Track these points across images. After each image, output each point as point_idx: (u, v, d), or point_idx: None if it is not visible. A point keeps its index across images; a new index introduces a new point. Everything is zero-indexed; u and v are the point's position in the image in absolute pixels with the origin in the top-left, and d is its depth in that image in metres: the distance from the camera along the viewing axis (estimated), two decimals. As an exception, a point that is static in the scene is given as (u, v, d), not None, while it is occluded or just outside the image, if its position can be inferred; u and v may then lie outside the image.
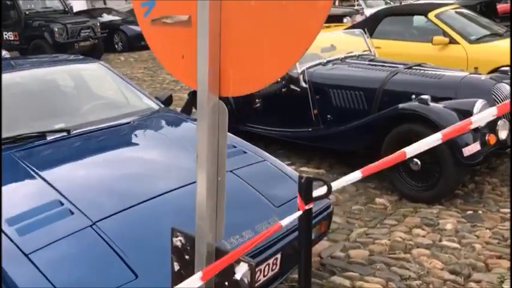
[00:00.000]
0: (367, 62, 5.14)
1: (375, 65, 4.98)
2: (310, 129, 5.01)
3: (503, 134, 3.92)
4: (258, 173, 3.01)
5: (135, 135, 3.43)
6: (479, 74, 4.43)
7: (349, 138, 4.57)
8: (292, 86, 5.05)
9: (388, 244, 3.44)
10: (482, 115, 3.53)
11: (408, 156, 2.89)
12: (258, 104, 5.45)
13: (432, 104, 3.96)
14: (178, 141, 3.25)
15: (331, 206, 2.96)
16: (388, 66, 4.89)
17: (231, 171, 2.89)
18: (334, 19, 9.64)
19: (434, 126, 3.83)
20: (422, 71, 4.58)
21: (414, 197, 4.05)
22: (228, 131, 1.78)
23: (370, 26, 7.16)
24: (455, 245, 3.35)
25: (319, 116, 4.98)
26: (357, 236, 3.62)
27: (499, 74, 4.81)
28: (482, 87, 4.17)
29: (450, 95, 4.20)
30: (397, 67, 4.78)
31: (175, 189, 2.64)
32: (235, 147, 3.24)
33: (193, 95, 6.15)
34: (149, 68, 12.55)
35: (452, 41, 6.37)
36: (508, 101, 4.21)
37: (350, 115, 4.75)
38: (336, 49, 5.60)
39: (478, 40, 6.38)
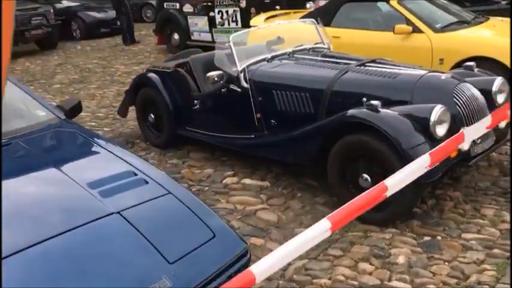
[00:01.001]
0: (317, 58, 4.52)
1: (326, 61, 4.37)
2: (252, 136, 4.40)
3: (465, 145, 3.37)
4: (156, 214, 2.39)
5: (13, 160, 2.75)
6: (441, 72, 3.85)
7: (291, 148, 3.98)
8: (232, 86, 4.42)
9: (328, 286, 2.87)
10: (474, 127, 2.97)
11: (390, 192, 2.40)
12: (197, 106, 4.82)
13: (383, 111, 3.38)
14: (63, 170, 2.60)
15: (248, 254, 2.37)
16: (340, 62, 4.28)
17: (119, 212, 2.27)
18: (296, 4, 9.02)
19: (384, 138, 3.26)
20: (376, 69, 3.99)
21: (365, 218, 3.48)
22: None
23: (328, 13, 6.55)
24: (407, 286, 2.80)
25: (262, 121, 4.37)
26: (294, 272, 3.05)
27: (464, 70, 4.26)
28: (442, 88, 3.60)
29: (406, 97, 3.62)
30: (349, 64, 4.19)
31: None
32: (136, 174, 2.62)
33: (129, 93, 5.47)
34: (104, 58, 11.75)
35: (416, 30, 5.79)
36: (504, 106, 3.71)
37: (296, 120, 4.15)
38: (284, 42, 4.98)
39: (444, 28, 5.81)
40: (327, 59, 4.43)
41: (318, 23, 5.09)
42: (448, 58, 5.58)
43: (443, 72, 3.85)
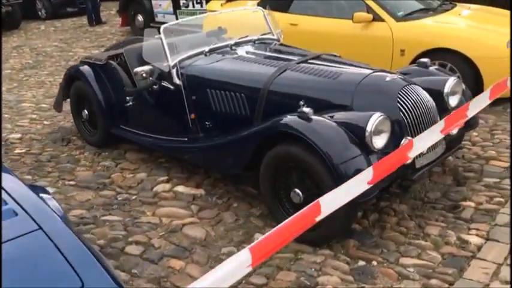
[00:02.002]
0: (260, 52, 4.10)
1: (268, 57, 3.95)
2: (186, 139, 3.99)
3: (410, 154, 3.00)
4: (17, 258, 1.99)
5: None
6: (388, 72, 3.44)
7: (223, 156, 3.59)
8: (163, 83, 3.98)
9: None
10: (424, 135, 2.74)
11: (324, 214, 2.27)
12: (130, 103, 4.38)
13: (315, 119, 2.98)
14: None
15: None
16: (282, 58, 3.86)
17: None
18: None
19: (315, 150, 2.87)
20: (318, 67, 3.57)
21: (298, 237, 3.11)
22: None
23: (285, -2, 6.09)
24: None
25: (197, 122, 3.95)
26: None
27: (417, 66, 3.87)
28: (385, 91, 3.21)
29: (346, 101, 3.22)
30: (291, 60, 3.77)
31: None
32: (6, 203, 2.21)
33: (62, 86, 5.01)
34: (65, 40, 11.17)
35: (377, 18, 5.36)
36: (458, 110, 3.32)
37: (232, 123, 3.75)
38: (226, 33, 4.54)
39: (406, 17, 5.40)
40: (269, 54, 4.00)
41: (267, 10, 4.64)
42: (409, 49, 5.18)
43: (391, 72, 3.45)
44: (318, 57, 3.80)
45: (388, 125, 2.95)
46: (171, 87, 3.93)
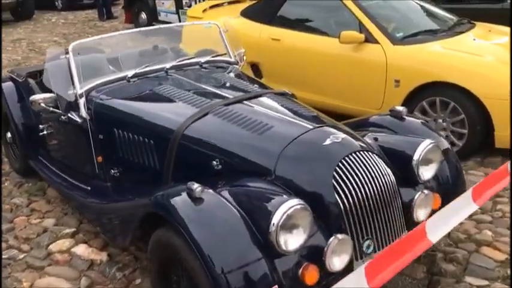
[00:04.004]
0: (197, 81, 3.21)
1: (199, 90, 3.06)
2: (89, 188, 3.18)
3: (336, 263, 2.09)
4: None
5: None
6: (336, 129, 2.48)
7: (112, 222, 2.76)
8: (70, 115, 3.18)
9: None
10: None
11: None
12: (44, 132, 3.60)
13: (207, 200, 2.10)
14: None
15: None
16: (214, 93, 2.98)
17: None
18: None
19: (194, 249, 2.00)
20: (249, 113, 2.66)
21: None
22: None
23: (270, 8, 5.19)
24: None
25: (104, 167, 3.14)
26: None
27: (389, 116, 2.93)
28: (319, 159, 2.27)
29: (268, 166, 2.32)
30: (224, 97, 2.89)
31: None
32: None
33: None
34: (67, 35, 10.62)
35: (370, 39, 4.38)
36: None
37: (141, 175, 2.94)
38: (167, 53, 3.70)
39: (407, 39, 4.38)
40: (203, 86, 3.11)
41: (221, 28, 3.76)
42: (405, 80, 4.19)
43: (340, 130, 2.48)
44: (258, 97, 2.90)
45: (308, 218, 2.04)
46: (78, 120, 3.13)
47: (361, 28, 4.44)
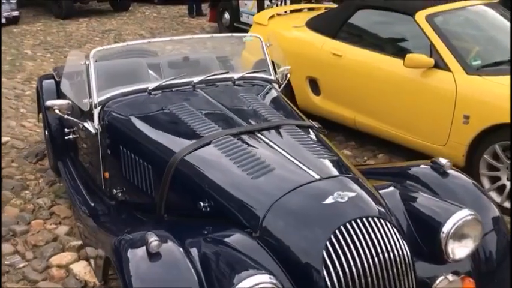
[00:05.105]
0: (218, 101, 2.88)
1: (214, 113, 2.74)
2: (92, 204, 2.99)
3: None
4: None
5: None
6: (343, 186, 2.02)
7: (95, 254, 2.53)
8: (86, 124, 3.01)
9: None
10: None
11: None
12: (70, 136, 3.49)
13: (166, 254, 1.78)
14: None
15: None
16: (228, 119, 2.65)
17: None
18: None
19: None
20: (255, 148, 2.31)
21: None
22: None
23: (336, 20, 4.73)
24: None
25: (109, 184, 2.93)
26: None
27: (431, 167, 2.41)
28: (313, 222, 1.87)
29: (254, 220, 1.96)
30: (238, 125, 2.55)
31: None
32: None
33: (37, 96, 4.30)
34: (154, 30, 10.78)
35: (440, 65, 3.80)
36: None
37: (138, 199, 2.70)
38: (198, 66, 3.42)
39: (485, 69, 3.73)
40: (220, 108, 2.78)
41: (266, 43, 3.41)
42: (476, 117, 3.57)
43: (359, 187, 2.02)
44: (275, 129, 2.52)
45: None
46: (92, 131, 2.95)
47: (432, 51, 3.86)
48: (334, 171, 2.13)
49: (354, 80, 4.39)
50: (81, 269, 2.96)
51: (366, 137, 4.54)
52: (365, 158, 4.40)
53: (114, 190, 2.83)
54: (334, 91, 4.60)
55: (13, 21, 11.21)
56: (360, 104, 4.37)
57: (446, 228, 1.97)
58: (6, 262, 3.06)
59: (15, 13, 11.31)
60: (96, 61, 2.91)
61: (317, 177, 2.03)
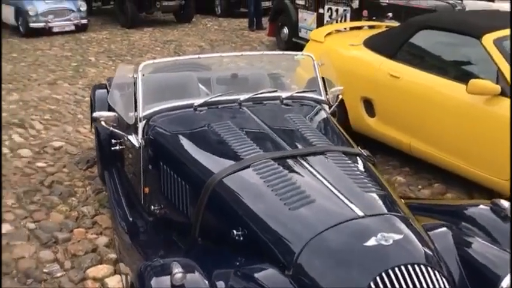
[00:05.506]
0: (264, 122, 2.77)
1: (260, 134, 2.64)
2: (131, 219, 2.95)
3: None
4: None
5: None
6: (388, 226, 1.85)
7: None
8: (130, 138, 2.99)
9: None
10: None
11: None
12: (117, 147, 3.49)
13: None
14: None
15: None
16: (273, 141, 2.54)
17: None
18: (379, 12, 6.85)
19: None
20: (296, 174, 2.19)
21: None
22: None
23: (395, 40, 4.52)
24: None
25: (148, 200, 2.89)
26: None
27: (491, 208, 2.19)
28: (352, 266, 1.71)
29: (289, 256, 1.83)
30: (281, 148, 2.44)
31: None
32: None
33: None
34: (213, 42, 10.89)
35: (507, 93, 3.51)
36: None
37: (175, 218, 2.64)
38: (247, 83, 3.34)
39: (558, 99, 3.42)
40: (265, 129, 2.68)
41: (318, 62, 3.28)
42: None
43: (407, 228, 1.85)
44: (320, 155, 2.38)
45: None
46: (136, 144, 2.92)
47: (499, 77, 3.59)
48: (381, 208, 1.96)
49: (411, 103, 4.16)
50: (115, 283, 2.93)
51: (422, 163, 4.29)
52: (419, 186, 4.14)
53: (152, 206, 2.78)
54: (390, 114, 4.39)
55: (82, 28, 11.72)
56: (416, 128, 4.14)
57: (506, 283, 1.75)
58: (45, 270, 3.08)
59: (84, 21, 11.81)
60: (143, 75, 2.89)
61: (361, 214, 1.87)
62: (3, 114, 5.91)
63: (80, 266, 3.10)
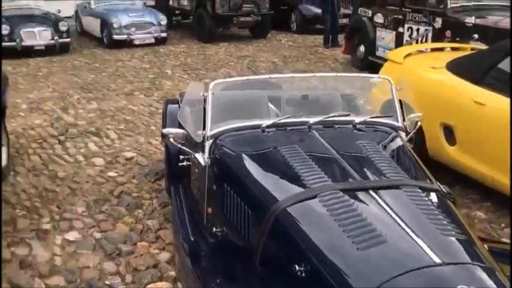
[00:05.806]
0: (334, 149, 2.63)
1: (330, 161, 2.50)
2: (193, 239, 2.89)
3: None
4: None
5: None
6: (470, 275, 1.65)
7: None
8: (197, 156, 2.95)
9: None
10: None
11: None
12: (184, 163, 3.47)
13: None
14: None
15: None
16: (343, 169, 2.39)
17: None
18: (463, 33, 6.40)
19: None
20: (360, 215, 2.01)
21: None
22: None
23: (482, 64, 4.20)
24: None
25: (211, 220, 2.82)
26: None
27: None
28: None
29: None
30: (353, 177, 2.29)
31: None
32: None
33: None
34: (286, 58, 10.80)
35: None
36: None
37: (236, 243, 2.54)
38: (318, 105, 3.20)
39: None
40: (335, 155, 2.53)
41: (396, 86, 3.09)
42: None
43: (489, 277, 1.65)
44: (394, 189, 2.20)
45: None
46: (202, 163, 2.88)
47: None
48: (462, 256, 1.76)
49: (496, 132, 3.84)
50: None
51: (506, 198, 3.93)
52: (502, 224, 3.79)
53: (214, 228, 2.71)
54: (472, 143, 4.08)
55: (161, 41, 12.12)
56: (501, 161, 3.80)
57: None
58: (107, 282, 3.10)
59: (164, 34, 12.21)
60: (213, 94, 2.85)
61: (438, 261, 1.68)
62: (82, 122, 6.17)
63: (140, 281, 3.09)
